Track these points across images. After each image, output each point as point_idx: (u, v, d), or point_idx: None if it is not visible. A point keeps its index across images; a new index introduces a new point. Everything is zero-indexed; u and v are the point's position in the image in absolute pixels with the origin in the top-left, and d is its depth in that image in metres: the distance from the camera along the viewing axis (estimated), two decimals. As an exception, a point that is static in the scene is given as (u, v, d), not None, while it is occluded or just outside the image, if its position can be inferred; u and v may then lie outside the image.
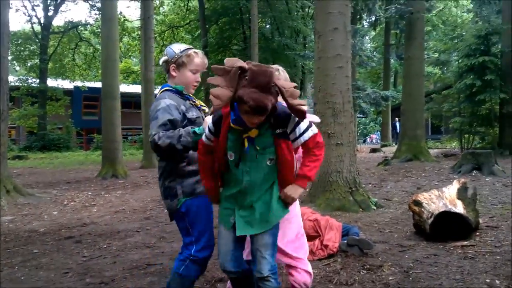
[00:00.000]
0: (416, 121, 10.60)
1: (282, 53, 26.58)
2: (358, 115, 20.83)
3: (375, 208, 5.25)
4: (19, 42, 25.55)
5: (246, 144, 1.85)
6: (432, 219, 3.79)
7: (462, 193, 4.16)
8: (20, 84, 24.92)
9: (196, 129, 2.04)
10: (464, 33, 14.53)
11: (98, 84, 27.19)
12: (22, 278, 3.16)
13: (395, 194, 6.49)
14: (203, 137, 1.91)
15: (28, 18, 25.44)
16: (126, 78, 32.15)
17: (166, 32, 29.39)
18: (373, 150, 19.39)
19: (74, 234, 4.56)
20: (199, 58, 2.23)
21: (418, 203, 4.11)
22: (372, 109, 19.36)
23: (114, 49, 10.20)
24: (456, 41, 14.65)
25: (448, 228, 3.82)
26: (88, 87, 28.67)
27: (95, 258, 3.64)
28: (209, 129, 1.87)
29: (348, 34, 5.33)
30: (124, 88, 32.05)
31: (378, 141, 30.68)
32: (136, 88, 28.23)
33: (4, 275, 3.22)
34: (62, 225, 5.06)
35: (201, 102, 2.33)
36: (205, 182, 1.98)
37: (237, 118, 1.76)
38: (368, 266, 3.17)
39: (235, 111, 1.75)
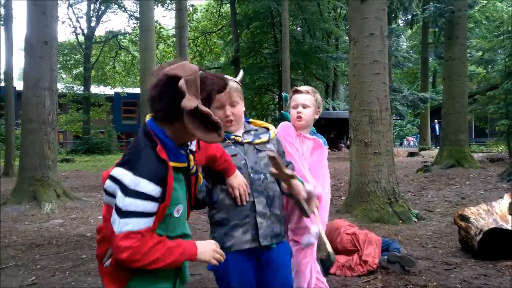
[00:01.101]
0: (458, 125, 10.16)
1: (314, 55, 26.41)
2: (394, 118, 20.30)
3: (416, 220, 5.09)
4: (65, 52, 26.91)
5: (201, 179, 1.58)
6: (481, 236, 3.62)
7: (515, 208, 3.95)
8: (67, 92, 26.18)
9: None
10: (510, 29, 13.80)
11: (137, 90, 28.12)
12: (73, 283, 3.34)
13: (437, 204, 6.27)
14: (145, 222, 1.25)
15: (73, 29, 26.73)
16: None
17: (199, 38, 30.00)
18: (411, 154, 18.81)
19: (118, 241, 4.75)
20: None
21: (464, 218, 3.94)
22: (409, 111, 18.80)
23: (151, 58, 10.50)
24: (502, 38, 13.91)
25: (499, 245, 3.61)
26: (127, 93, 29.71)
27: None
28: (155, 198, 1.26)
29: (385, 39, 5.22)
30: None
31: (416, 144, 29.75)
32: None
33: (56, 280, 3.43)
34: (106, 231, 5.30)
35: (238, 139, 1.85)
36: (179, 249, 1.32)
37: (173, 151, 1.34)
38: (411, 286, 3.09)
39: (166, 144, 1.32)
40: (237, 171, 1.71)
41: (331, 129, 27.34)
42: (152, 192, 1.24)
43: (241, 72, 2.37)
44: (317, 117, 2.32)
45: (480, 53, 18.60)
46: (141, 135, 1.35)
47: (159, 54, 30.02)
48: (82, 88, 26.89)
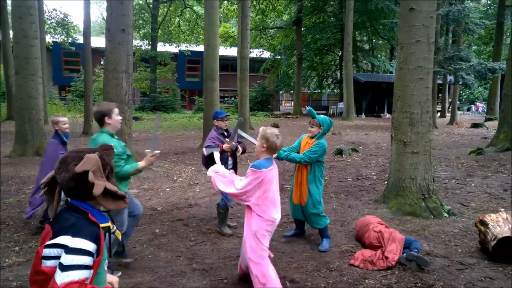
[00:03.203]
0: (519, 108, 9.84)
1: (380, 16, 25.31)
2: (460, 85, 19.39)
3: (447, 216, 5.42)
4: (134, 13, 28.25)
5: (120, 236, 1.97)
6: (495, 242, 4.06)
7: (533, 218, 4.26)
8: (135, 51, 27.78)
9: None
10: None
11: (199, 48, 28.96)
12: (150, 256, 4.30)
13: (476, 196, 6.53)
14: (83, 273, 1.54)
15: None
16: (225, 42, 33.61)
17: (263, -5, 29.67)
18: (475, 125, 18.13)
19: (183, 216, 5.69)
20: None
21: (484, 223, 4.34)
22: (476, 81, 17.88)
23: (215, 35, 11.12)
24: None
25: (512, 251, 4.00)
26: (191, 51, 30.78)
27: (199, 244, 4.68)
28: (91, 253, 1.59)
29: (432, 46, 5.38)
30: (222, 51, 33.68)
31: (485, 110, 28.09)
32: (234, 51, 29.48)
33: (136, 251, 4.40)
34: (173, 205, 6.29)
35: None
36: None
37: (100, 215, 1.72)
38: (420, 284, 3.59)
39: (94, 211, 1.70)
40: None
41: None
42: (89, 248, 1.56)
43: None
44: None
45: None
46: (66, 213, 1.66)
47: (222, 12, 30.44)
48: (150, 47, 28.36)
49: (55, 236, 1.58)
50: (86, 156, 1.66)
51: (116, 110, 3.64)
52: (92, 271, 1.58)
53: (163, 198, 6.76)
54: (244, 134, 5.04)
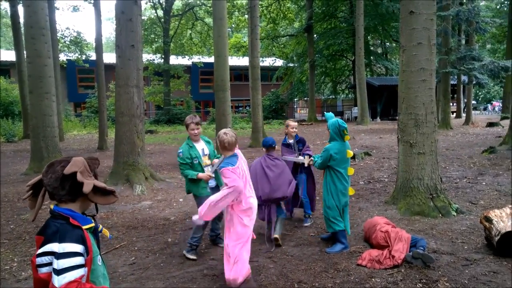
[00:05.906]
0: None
1: (391, 19, 25.31)
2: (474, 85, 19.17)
3: (455, 214, 5.45)
4: (146, 27, 28.92)
5: (108, 233, 2.07)
6: (499, 237, 4.10)
7: (537, 213, 4.27)
8: (148, 64, 28.29)
9: None
10: None
11: (212, 59, 29.34)
12: (162, 264, 4.43)
13: (485, 194, 6.50)
14: (78, 272, 1.66)
15: (152, 4, 28.39)
16: (237, 52, 33.99)
17: (273, 4, 30.02)
18: (490, 124, 17.89)
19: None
20: None
21: (488, 219, 4.39)
22: (490, 80, 17.68)
23: (224, 46, 11.29)
24: None
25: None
26: (203, 63, 31.23)
27: (210, 251, 4.80)
28: (80, 253, 1.69)
29: (433, 47, 5.44)
30: (235, 61, 34.09)
31: (501, 109, 27.59)
32: (246, 61, 29.72)
33: (150, 260, 4.54)
34: (185, 214, 6.43)
35: None
36: None
37: (81, 218, 1.80)
38: (425, 281, 3.66)
39: (75, 215, 1.77)
40: None
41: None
42: (77, 249, 1.67)
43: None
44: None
45: None
46: (51, 220, 1.76)
47: (233, 22, 30.87)
48: (162, 60, 28.88)
49: (44, 244, 1.69)
50: (73, 159, 1.78)
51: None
52: (86, 268, 1.70)
53: (176, 208, 6.92)
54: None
